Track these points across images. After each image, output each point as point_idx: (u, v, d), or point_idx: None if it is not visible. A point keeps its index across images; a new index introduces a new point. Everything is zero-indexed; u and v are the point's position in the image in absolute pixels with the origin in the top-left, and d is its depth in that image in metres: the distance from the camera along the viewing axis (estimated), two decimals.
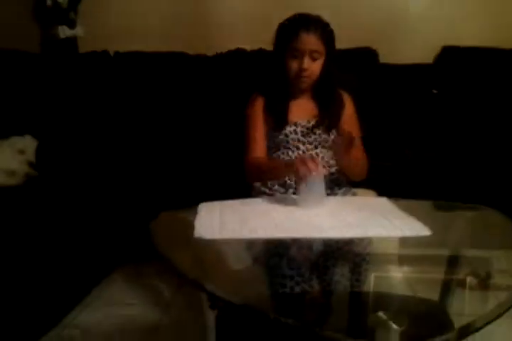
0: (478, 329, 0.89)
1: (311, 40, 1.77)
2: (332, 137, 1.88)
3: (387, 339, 0.80)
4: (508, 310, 0.96)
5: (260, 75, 2.03)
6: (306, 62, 1.78)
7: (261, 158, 1.84)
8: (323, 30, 1.80)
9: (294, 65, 1.80)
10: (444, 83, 2.79)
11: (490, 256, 1.46)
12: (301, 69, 1.79)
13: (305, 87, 1.87)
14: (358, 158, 1.79)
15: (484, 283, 1.59)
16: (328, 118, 1.88)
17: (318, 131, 1.87)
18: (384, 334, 0.80)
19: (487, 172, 2.29)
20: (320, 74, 1.83)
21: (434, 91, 2.76)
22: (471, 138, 2.58)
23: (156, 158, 2.55)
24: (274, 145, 1.89)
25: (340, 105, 1.92)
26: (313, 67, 1.80)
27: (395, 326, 0.80)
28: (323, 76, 1.84)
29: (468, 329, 0.88)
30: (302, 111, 1.89)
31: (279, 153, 1.88)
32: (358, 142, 1.74)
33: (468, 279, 1.55)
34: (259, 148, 1.86)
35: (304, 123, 1.88)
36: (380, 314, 0.82)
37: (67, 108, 2.68)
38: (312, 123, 1.88)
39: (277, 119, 1.87)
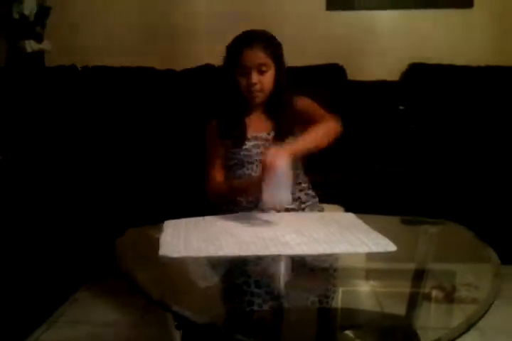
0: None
1: (255, 55, 1.79)
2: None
3: None
4: (475, 323, 0.96)
5: (213, 96, 2.03)
6: (254, 76, 1.79)
7: (221, 184, 1.86)
8: (267, 43, 1.83)
9: (244, 82, 1.81)
10: (411, 100, 2.85)
11: (455, 270, 1.48)
12: (249, 84, 1.80)
13: (259, 101, 1.86)
14: (322, 135, 1.77)
15: (450, 297, 1.60)
16: (285, 128, 1.88)
17: (280, 143, 1.86)
18: None
19: (453, 188, 2.33)
20: (273, 86, 1.85)
21: (401, 107, 2.81)
22: (437, 154, 2.62)
23: (123, 174, 2.52)
24: (237, 162, 1.88)
25: (292, 117, 1.91)
26: (263, 80, 1.81)
27: None
28: (276, 88, 1.86)
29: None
30: (259, 125, 1.90)
31: (244, 169, 1.87)
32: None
33: (434, 293, 1.56)
34: (218, 173, 1.89)
35: (264, 136, 1.87)
36: (347, 332, 0.82)
37: (33, 122, 2.64)
38: (272, 134, 1.88)
39: (236, 137, 1.87)
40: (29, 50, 2.91)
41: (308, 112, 1.89)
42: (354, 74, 2.89)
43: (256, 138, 1.87)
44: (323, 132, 1.79)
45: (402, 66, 2.95)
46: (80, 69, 2.91)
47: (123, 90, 2.84)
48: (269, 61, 1.81)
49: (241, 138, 1.87)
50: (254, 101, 1.87)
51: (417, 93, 2.85)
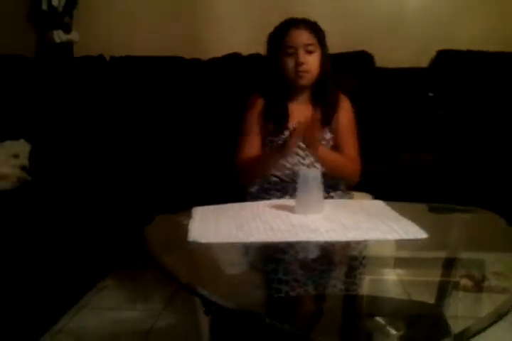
0: (476, 333, 0.88)
1: (302, 34, 1.79)
2: (327, 136, 1.87)
3: None
4: (506, 313, 0.94)
5: (259, 80, 2.01)
6: (302, 55, 1.78)
7: (252, 158, 1.83)
8: (313, 25, 1.83)
9: (291, 62, 1.79)
10: (440, 86, 2.79)
11: (485, 259, 1.46)
12: (297, 64, 1.78)
13: (306, 83, 1.85)
14: (335, 163, 1.79)
15: (479, 286, 1.58)
16: (327, 118, 1.87)
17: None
18: (382, 339, 0.79)
19: (484, 175, 2.29)
20: (319, 70, 1.83)
21: (430, 94, 2.76)
22: (468, 142, 2.57)
23: (152, 162, 2.54)
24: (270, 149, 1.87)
25: (336, 103, 1.90)
26: (310, 61, 1.79)
27: (393, 331, 0.79)
28: (321, 73, 1.84)
29: (467, 333, 0.87)
30: (302, 115, 1.87)
31: None
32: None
33: (464, 281, 1.54)
34: (250, 151, 1.85)
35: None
36: (378, 319, 0.81)
37: (62, 112, 2.67)
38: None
39: (277, 124, 1.85)
40: (58, 40, 2.94)
41: (344, 132, 1.89)
42: (382, 61, 2.85)
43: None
44: (347, 169, 1.84)
45: (431, 52, 2.89)
46: (107, 59, 2.92)
47: (150, 80, 2.84)
48: (315, 42, 1.80)
49: (282, 126, 1.85)
50: (300, 83, 1.84)
51: (446, 80, 2.79)
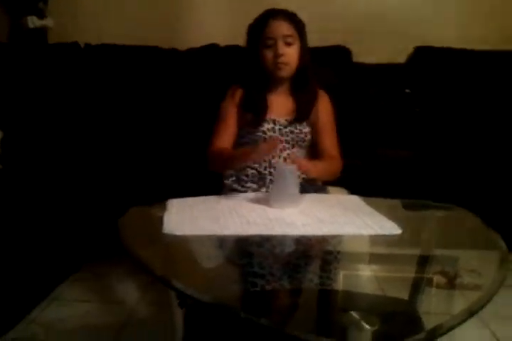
0: (449, 330, 0.88)
1: (281, 25, 1.78)
2: (305, 130, 1.87)
3: (359, 339, 0.79)
4: (478, 311, 0.95)
5: (238, 71, 2.00)
6: (281, 47, 1.77)
7: (224, 148, 1.82)
8: (292, 16, 1.83)
9: (270, 54, 1.78)
10: (417, 83, 2.81)
11: (459, 256, 1.47)
12: (276, 55, 1.77)
13: (285, 75, 1.84)
14: (324, 170, 1.79)
15: (452, 283, 1.60)
16: (304, 112, 1.87)
17: (295, 130, 1.85)
18: (356, 334, 0.79)
19: (460, 173, 2.31)
20: (298, 62, 1.82)
21: (407, 90, 2.77)
22: (444, 138, 2.60)
23: (126, 153, 2.50)
24: (250, 142, 1.86)
25: (315, 97, 1.90)
26: (289, 52, 1.78)
27: (367, 326, 0.78)
28: (300, 65, 1.83)
29: (440, 330, 0.87)
30: (281, 108, 1.87)
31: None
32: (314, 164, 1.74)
33: (437, 278, 1.56)
34: (223, 141, 1.84)
35: (282, 121, 1.86)
36: (352, 313, 0.81)
37: (35, 100, 2.61)
38: (287, 118, 1.86)
39: (255, 115, 1.84)
40: (31, 26, 2.87)
41: (324, 129, 1.89)
42: (360, 56, 2.85)
43: (274, 121, 1.85)
44: (331, 172, 1.84)
45: (408, 49, 2.90)
46: (82, 46, 2.86)
47: (125, 69, 2.80)
48: (294, 34, 1.79)
49: (260, 118, 1.84)
50: (279, 74, 1.83)
51: (423, 76, 2.81)
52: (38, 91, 2.64)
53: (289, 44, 1.78)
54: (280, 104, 1.86)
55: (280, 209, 1.46)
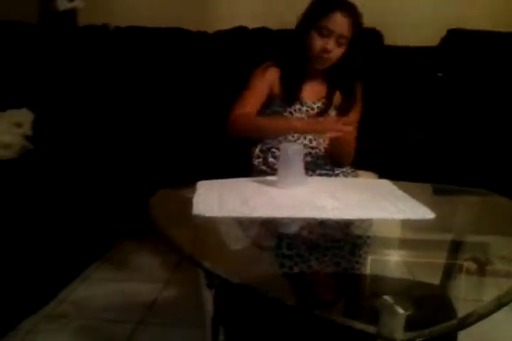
0: (481, 318, 0.86)
1: (343, 24, 1.72)
2: (332, 114, 1.85)
3: (392, 323, 0.77)
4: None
5: (279, 49, 1.96)
6: (332, 43, 1.73)
7: (252, 113, 1.78)
8: (357, 18, 1.76)
9: (319, 43, 1.74)
10: (449, 66, 2.75)
11: (491, 242, 1.44)
12: (324, 50, 1.74)
13: (321, 68, 1.82)
14: (348, 151, 1.77)
15: (483, 269, 1.57)
16: (340, 106, 1.86)
17: (322, 117, 1.83)
18: (389, 318, 0.77)
19: (490, 157, 2.27)
20: (338, 60, 1.79)
21: (439, 74, 2.72)
22: (476, 122, 2.54)
23: (156, 135, 2.52)
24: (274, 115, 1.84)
25: (354, 98, 1.87)
26: (336, 52, 1.75)
27: (400, 310, 0.77)
28: (341, 63, 1.80)
29: (472, 317, 0.85)
30: (313, 92, 1.85)
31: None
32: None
33: (468, 264, 1.53)
34: (250, 107, 1.79)
35: (310, 104, 1.84)
36: (386, 298, 0.79)
37: (65, 82, 2.63)
38: (318, 105, 1.84)
39: (288, 94, 1.82)
40: (61, 8, 2.88)
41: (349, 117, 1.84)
42: (391, 39, 2.81)
43: (302, 103, 1.83)
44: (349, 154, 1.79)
45: (441, 31, 2.84)
46: (111, 29, 2.87)
47: (154, 51, 2.80)
48: (349, 36, 1.74)
49: (292, 98, 1.82)
50: (315, 66, 1.81)
51: (456, 59, 2.76)
52: (68, 74, 2.66)
53: (339, 44, 1.74)
54: (313, 88, 1.85)
55: (286, 189, 1.45)
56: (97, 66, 2.76)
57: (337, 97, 1.89)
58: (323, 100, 1.85)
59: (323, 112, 1.84)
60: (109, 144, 2.39)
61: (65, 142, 2.24)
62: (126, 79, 2.75)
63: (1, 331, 1.70)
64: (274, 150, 1.82)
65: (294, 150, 1.45)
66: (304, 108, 1.83)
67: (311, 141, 1.83)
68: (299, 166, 1.47)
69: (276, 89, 1.83)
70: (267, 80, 1.83)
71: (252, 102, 1.79)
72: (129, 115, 2.64)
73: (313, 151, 1.83)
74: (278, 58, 1.88)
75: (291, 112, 1.82)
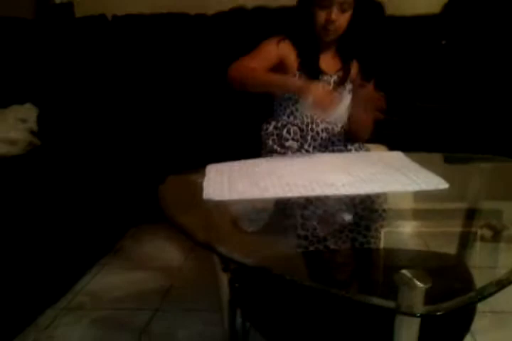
0: (504, 286, 0.84)
1: None
2: (348, 87, 1.82)
3: (412, 298, 0.76)
4: None
5: (287, 25, 1.92)
6: (335, 12, 1.69)
7: (255, 68, 1.71)
8: None
9: (322, 16, 1.71)
10: (453, 33, 2.69)
11: (505, 208, 1.42)
12: (328, 21, 1.70)
13: (329, 40, 1.80)
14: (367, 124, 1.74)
15: (499, 235, 1.56)
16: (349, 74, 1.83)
17: (338, 89, 1.80)
18: (408, 292, 0.76)
19: (499, 123, 2.23)
20: (347, 27, 1.76)
21: (443, 42, 2.66)
22: (482, 89, 2.49)
23: (161, 121, 2.50)
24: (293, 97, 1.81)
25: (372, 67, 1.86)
26: (341, 20, 1.71)
27: (420, 284, 0.76)
28: (349, 30, 1.77)
29: (494, 285, 0.84)
30: (328, 65, 1.83)
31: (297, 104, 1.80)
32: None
33: (483, 232, 1.51)
34: (256, 63, 1.72)
35: (327, 77, 1.81)
36: (404, 272, 0.78)
37: (66, 74, 2.62)
38: (334, 78, 1.82)
39: (309, 67, 1.79)
40: (58, 0, 2.86)
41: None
42: (393, 9, 2.75)
43: (322, 75, 1.81)
44: (368, 128, 1.77)
45: None
46: (109, 18, 2.84)
47: (155, 38, 2.77)
48: (351, 0, 1.71)
49: (315, 69, 1.79)
50: (325, 39, 1.79)
51: (459, 26, 2.69)
52: (69, 66, 2.65)
53: (343, 10, 1.70)
54: (328, 62, 1.82)
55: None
56: (98, 56, 2.74)
57: (354, 69, 1.87)
58: (339, 73, 1.83)
59: (339, 85, 1.81)
60: (116, 133, 2.38)
61: (71, 135, 2.24)
62: (128, 67, 2.73)
63: (18, 327, 1.73)
64: (289, 126, 1.80)
65: None
66: (320, 83, 1.79)
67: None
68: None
69: (292, 64, 1.79)
70: (280, 50, 1.79)
71: (259, 61, 1.74)
72: (133, 102, 2.63)
73: (329, 127, 1.80)
74: (288, 33, 1.85)
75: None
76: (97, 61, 2.73)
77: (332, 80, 1.83)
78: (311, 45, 1.80)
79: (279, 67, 1.78)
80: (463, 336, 1.14)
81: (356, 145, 1.81)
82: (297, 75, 1.79)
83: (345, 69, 1.84)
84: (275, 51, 1.78)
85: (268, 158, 1.64)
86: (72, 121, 2.35)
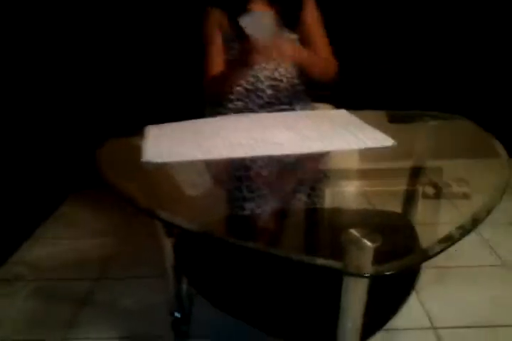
0: (448, 246, 0.83)
1: None
2: (292, 37, 1.75)
3: (360, 257, 0.74)
4: (484, 218, 0.90)
5: None
6: None
7: (217, 75, 1.71)
8: None
9: None
10: None
11: (448, 166, 1.43)
12: None
13: None
14: (309, 57, 1.68)
15: (441, 192, 1.57)
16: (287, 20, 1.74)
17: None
18: (357, 252, 0.74)
19: (444, 79, 2.24)
20: None
21: None
22: (425, 47, 2.48)
23: (101, 82, 2.39)
24: (233, 58, 1.74)
25: (298, 4, 1.76)
26: None
27: (368, 243, 0.73)
28: None
29: (439, 246, 0.82)
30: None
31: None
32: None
33: (426, 189, 1.53)
34: (219, 64, 1.71)
35: None
36: (352, 231, 0.76)
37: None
38: None
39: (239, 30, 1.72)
40: None
41: (311, 31, 1.74)
42: None
43: None
44: (321, 64, 1.70)
45: None
46: None
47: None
48: None
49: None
50: None
51: None
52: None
53: None
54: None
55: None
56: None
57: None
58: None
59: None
60: (53, 95, 2.26)
61: (6, 97, 2.11)
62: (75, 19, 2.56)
63: None
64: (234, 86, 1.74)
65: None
66: None
67: (273, 71, 1.74)
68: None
69: (226, 29, 1.73)
70: (215, 27, 1.73)
71: (217, 59, 1.70)
72: (70, 62, 2.48)
73: (275, 83, 1.74)
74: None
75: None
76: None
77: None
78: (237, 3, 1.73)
79: None
80: (409, 293, 1.15)
81: (301, 103, 1.76)
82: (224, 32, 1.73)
83: (281, 21, 1.75)
84: (215, 30, 1.73)
85: (211, 119, 1.58)
86: (8, 85, 2.21)
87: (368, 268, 0.75)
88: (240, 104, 1.71)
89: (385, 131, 1.35)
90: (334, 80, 1.75)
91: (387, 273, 0.75)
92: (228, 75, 1.63)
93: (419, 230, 1.30)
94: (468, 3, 2.48)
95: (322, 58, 1.72)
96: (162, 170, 1.21)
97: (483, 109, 2.23)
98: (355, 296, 0.83)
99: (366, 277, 0.77)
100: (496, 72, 2.37)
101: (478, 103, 2.27)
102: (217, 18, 1.74)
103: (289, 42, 1.57)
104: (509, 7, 2.45)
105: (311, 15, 1.77)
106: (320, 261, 0.79)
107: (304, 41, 1.76)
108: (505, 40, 2.46)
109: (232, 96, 1.73)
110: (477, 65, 2.36)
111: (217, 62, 1.70)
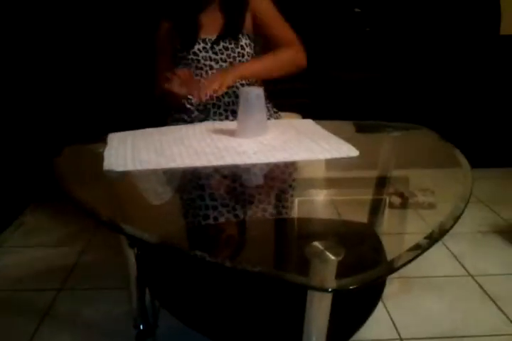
0: (412, 260, 0.82)
1: None
2: (242, 42, 1.73)
3: (323, 270, 0.72)
4: (449, 229, 0.90)
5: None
6: None
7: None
8: None
9: None
10: (366, 1, 2.67)
11: (414, 175, 1.44)
12: None
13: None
14: (269, 65, 1.66)
15: (407, 202, 1.57)
16: (233, 27, 1.72)
17: (229, 46, 1.70)
18: (320, 266, 0.72)
19: (410, 92, 2.26)
20: None
21: (357, 10, 2.65)
22: (394, 58, 2.51)
23: (63, 89, 2.34)
24: (185, 68, 1.72)
25: (244, 5, 1.74)
26: None
27: (331, 256, 0.72)
28: None
29: (404, 259, 0.81)
30: (210, 25, 1.71)
31: (193, 75, 1.72)
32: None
33: (392, 199, 1.52)
34: (164, 78, 1.66)
35: (213, 38, 1.71)
36: (316, 244, 0.74)
37: None
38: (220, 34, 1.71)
39: (184, 37, 1.70)
40: None
41: (267, 18, 1.72)
42: None
43: (204, 40, 1.70)
44: (283, 62, 1.67)
45: None
46: None
47: None
48: None
49: (190, 39, 1.69)
50: None
51: None
52: None
53: None
54: (209, 22, 1.71)
55: (246, 138, 1.36)
56: None
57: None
58: (224, 28, 1.72)
59: (214, 43, 1.71)
60: (13, 101, 2.20)
61: None
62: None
63: None
64: (190, 97, 1.71)
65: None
66: (208, 45, 1.70)
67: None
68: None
69: (174, 38, 1.72)
70: (164, 39, 1.76)
71: (165, 72, 1.66)
72: (27, 70, 2.43)
73: (229, 91, 1.72)
74: (164, 8, 1.77)
75: (195, 53, 1.69)
76: None
77: (215, 37, 1.71)
78: (186, 7, 1.72)
79: None
80: (375, 304, 1.14)
81: (268, 112, 1.74)
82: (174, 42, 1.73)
83: (228, 24, 1.71)
84: (164, 41, 1.76)
85: (175, 127, 1.55)
86: None
87: (332, 282, 0.73)
88: (201, 115, 1.70)
89: (351, 141, 1.34)
90: (304, 66, 1.73)
91: (351, 287, 0.73)
92: (168, 97, 1.63)
93: (386, 240, 1.29)
94: (425, 12, 2.53)
95: (287, 53, 1.68)
96: (124, 179, 1.18)
97: (445, 119, 2.26)
98: (319, 310, 0.81)
99: (329, 292, 0.75)
100: (457, 83, 2.40)
101: (441, 114, 2.30)
102: (168, 30, 1.74)
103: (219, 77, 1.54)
104: (469, 19, 2.50)
105: (264, 7, 1.74)
106: (286, 276, 0.77)
107: (264, 32, 1.74)
108: (465, 51, 2.50)
109: (191, 107, 1.71)
110: (439, 77, 2.39)
111: (164, 76, 1.66)
